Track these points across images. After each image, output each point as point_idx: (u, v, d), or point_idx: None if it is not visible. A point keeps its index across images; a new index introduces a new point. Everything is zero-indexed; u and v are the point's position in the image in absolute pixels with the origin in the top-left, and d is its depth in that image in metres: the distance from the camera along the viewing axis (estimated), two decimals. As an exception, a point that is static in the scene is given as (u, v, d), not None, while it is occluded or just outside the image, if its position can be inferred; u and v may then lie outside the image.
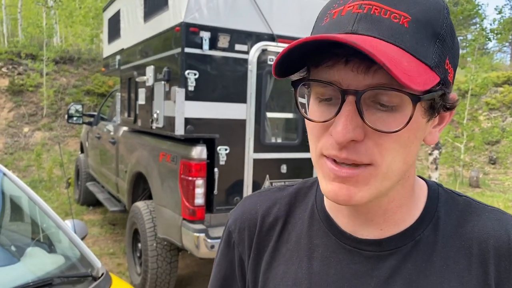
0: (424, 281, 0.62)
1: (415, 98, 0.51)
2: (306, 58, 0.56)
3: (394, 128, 0.53)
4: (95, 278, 2.07)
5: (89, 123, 6.84)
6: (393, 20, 0.52)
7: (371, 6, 0.52)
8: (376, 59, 0.46)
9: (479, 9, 8.38)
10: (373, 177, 0.56)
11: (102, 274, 2.11)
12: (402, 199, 0.64)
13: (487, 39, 8.43)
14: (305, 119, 0.60)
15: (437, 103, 0.57)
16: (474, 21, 17.81)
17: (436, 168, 7.44)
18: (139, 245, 4.10)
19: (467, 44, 9.91)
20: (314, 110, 0.58)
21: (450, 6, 8.12)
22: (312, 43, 0.51)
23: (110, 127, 5.84)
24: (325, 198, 0.72)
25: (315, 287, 0.66)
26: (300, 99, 0.59)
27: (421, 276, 0.62)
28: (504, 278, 0.61)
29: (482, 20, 8.92)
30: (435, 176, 7.24)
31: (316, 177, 0.74)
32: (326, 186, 0.58)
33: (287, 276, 0.69)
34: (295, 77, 0.59)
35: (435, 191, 0.68)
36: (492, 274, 0.61)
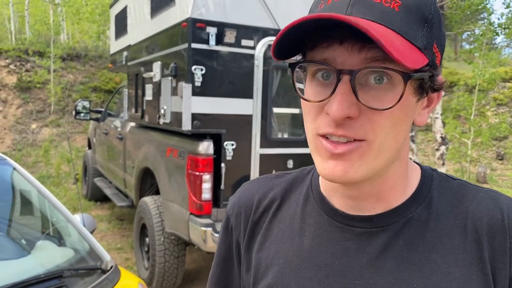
0: (416, 257, 0.62)
1: (406, 76, 0.54)
2: (302, 42, 0.58)
3: (387, 105, 0.55)
4: (104, 271, 2.09)
5: (97, 119, 6.89)
6: (385, 4, 0.54)
7: None
8: (371, 36, 0.48)
9: (487, 4, 8.30)
10: (366, 152, 0.58)
11: (111, 267, 2.13)
12: (397, 180, 0.66)
13: (494, 34, 8.35)
14: (302, 101, 0.62)
15: (426, 83, 0.59)
16: (481, 16, 17.67)
17: (443, 164, 7.41)
18: (147, 239, 4.13)
19: (475, 39, 9.84)
20: (309, 91, 0.60)
21: (458, 0, 8.05)
22: (310, 22, 0.52)
23: (117, 123, 5.87)
24: (320, 180, 0.73)
25: (305, 264, 0.67)
26: (298, 85, 0.61)
27: (412, 253, 0.62)
28: (499, 255, 0.61)
29: (489, 15, 8.84)
30: (442, 172, 7.21)
31: (313, 165, 0.75)
32: (322, 165, 0.60)
33: (278, 254, 0.70)
34: (292, 60, 0.61)
35: (429, 174, 0.70)
36: (486, 251, 0.61)
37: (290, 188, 0.76)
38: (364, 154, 0.58)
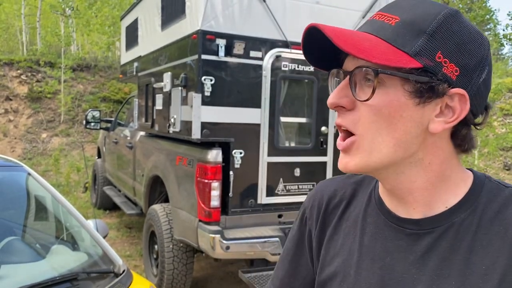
0: (457, 258, 0.69)
1: (375, 71, 0.64)
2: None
3: (365, 97, 0.66)
4: (117, 275, 2.14)
5: (107, 129, 6.98)
6: (385, 21, 0.68)
7: (378, 14, 0.70)
8: (324, 31, 0.64)
9: (492, 15, 8.35)
10: (360, 147, 0.69)
11: (124, 271, 2.19)
12: (427, 183, 0.71)
13: (500, 45, 8.39)
14: None
15: (422, 86, 0.64)
16: (487, 26, 17.67)
17: (450, 174, 7.39)
18: (156, 247, 4.19)
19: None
20: None
21: (463, 12, 8.11)
22: (307, 35, 0.69)
23: (127, 132, 5.96)
24: (379, 184, 0.81)
25: (363, 257, 0.78)
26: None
27: (454, 254, 0.69)
28: None
29: (495, 26, 8.88)
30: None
31: None
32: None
33: (344, 247, 0.82)
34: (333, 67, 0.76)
35: (481, 181, 0.73)
36: None
37: (357, 189, 0.86)
38: (359, 149, 0.69)
